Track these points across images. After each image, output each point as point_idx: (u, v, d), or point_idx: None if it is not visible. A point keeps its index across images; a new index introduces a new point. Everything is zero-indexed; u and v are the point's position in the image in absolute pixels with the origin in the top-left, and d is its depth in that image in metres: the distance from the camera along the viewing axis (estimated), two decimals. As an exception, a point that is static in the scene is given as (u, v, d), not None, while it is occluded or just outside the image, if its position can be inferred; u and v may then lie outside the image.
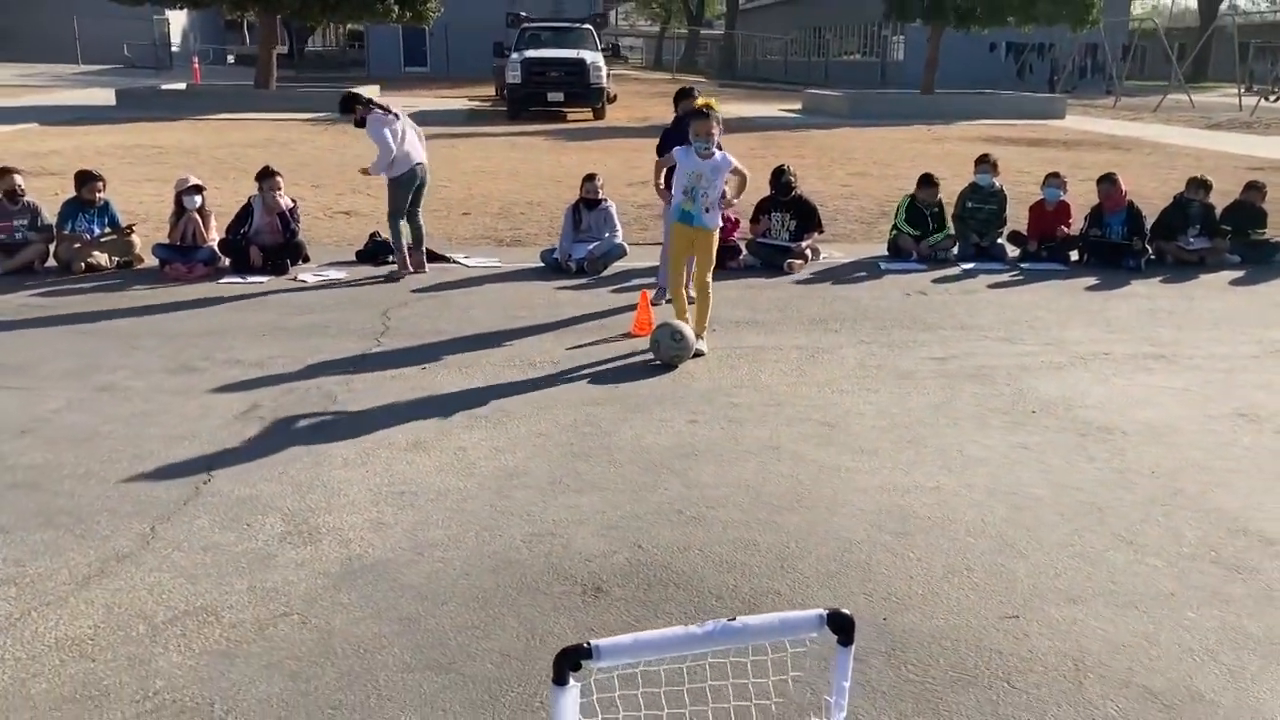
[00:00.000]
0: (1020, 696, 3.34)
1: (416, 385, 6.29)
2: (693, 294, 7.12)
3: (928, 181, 10.08)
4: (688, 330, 6.71)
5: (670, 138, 8.08)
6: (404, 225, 9.05)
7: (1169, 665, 3.51)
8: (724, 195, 6.87)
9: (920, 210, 10.02)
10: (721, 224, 8.93)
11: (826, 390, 6.29)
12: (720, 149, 6.68)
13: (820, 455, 5.28)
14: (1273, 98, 36.92)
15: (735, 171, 6.82)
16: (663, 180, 7.55)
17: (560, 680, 2.32)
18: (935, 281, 9.17)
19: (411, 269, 9.12)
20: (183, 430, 5.50)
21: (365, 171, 9.10)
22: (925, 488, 4.90)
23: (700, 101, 6.88)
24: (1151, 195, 13.44)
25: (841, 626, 2.51)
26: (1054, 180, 10.18)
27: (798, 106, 33.15)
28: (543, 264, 9.46)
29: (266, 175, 9.21)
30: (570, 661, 2.31)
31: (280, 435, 5.46)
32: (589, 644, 2.32)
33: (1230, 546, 4.36)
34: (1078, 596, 3.93)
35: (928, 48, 32.48)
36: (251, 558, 4.16)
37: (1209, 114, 32.28)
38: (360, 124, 8.83)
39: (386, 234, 10.04)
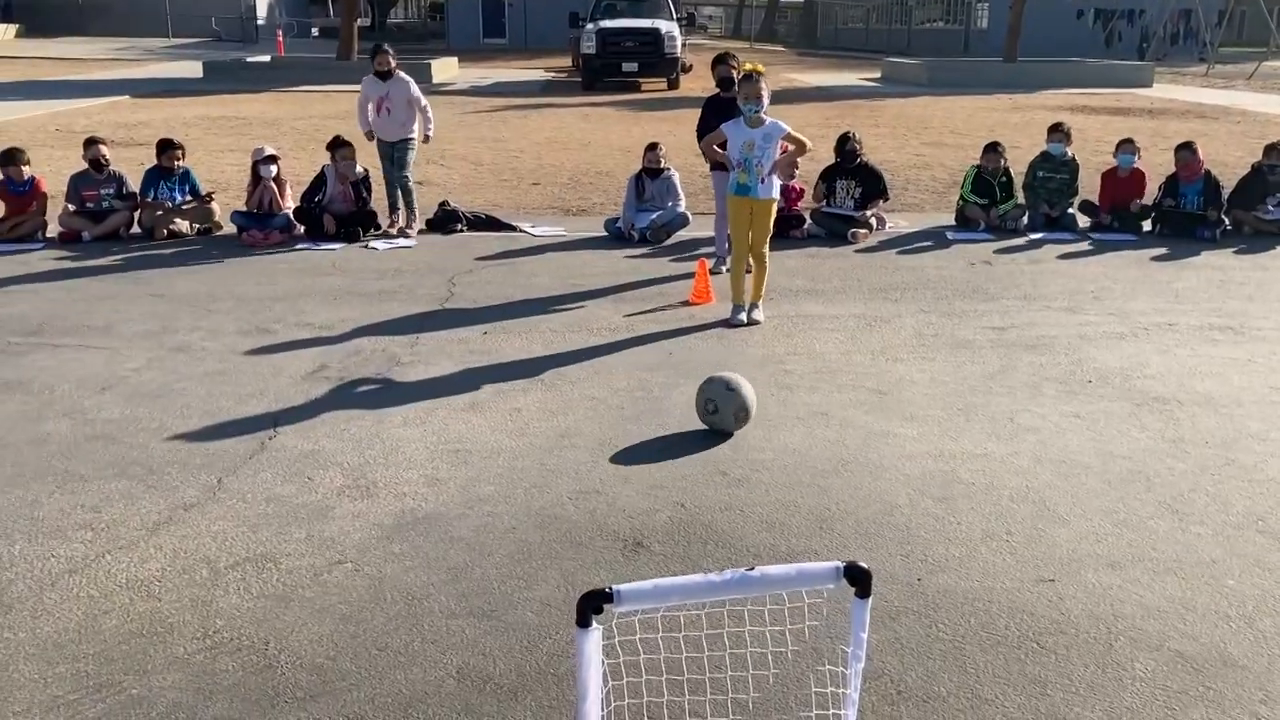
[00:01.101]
0: (1049, 657, 3.38)
1: (477, 349, 6.45)
2: (723, 268, 7.17)
3: (992, 149, 9.95)
4: (741, 389, 5.17)
5: (709, 115, 8.07)
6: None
7: (1203, 630, 3.52)
8: (782, 168, 6.88)
9: (986, 180, 9.90)
10: (781, 193, 9.01)
11: (881, 359, 6.31)
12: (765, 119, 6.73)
13: (869, 421, 5.32)
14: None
15: (792, 139, 6.84)
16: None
17: (583, 623, 2.44)
18: (1001, 251, 9.08)
19: (394, 230, 9.54)
20: (252, 389, 5.73)
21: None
22: (972, 454, 4.92)
23: (748, 65, 6.90)
24: (1235, 165, 13.08)
25: (858, 578, 2.59)
26: (1127, 147, 9.98)
27: (877, 75, 32.70)
28: (606, 233, 9.56)
29: (339, 145, 9.44)
30: (593, 604, 2.43)
31: (344, 395, 5.66)
32: (610, 588, 2.43)
33: (1279, 516, 4.32)
34: (1117, 562, 3.94)
35: (1011, 14, 31.75)
36: (311, 509, 4.35)
37: (1307, 81, 31.12)
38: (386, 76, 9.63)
39: (455, 203, 10.26)
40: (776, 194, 6.96)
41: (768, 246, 6.99)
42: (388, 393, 5.71)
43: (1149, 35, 43.39)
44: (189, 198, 9.52)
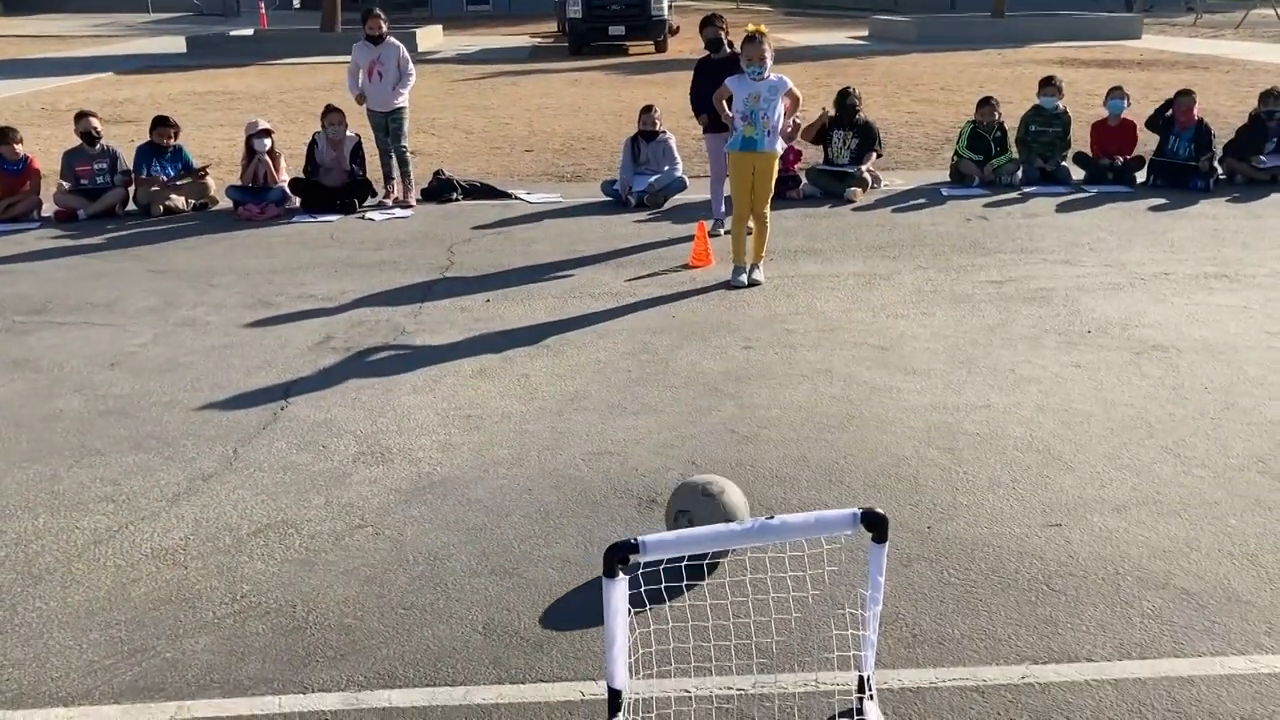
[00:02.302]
0: (1058, 598, 3.46)
1: (481, 316, 6.50)
2: (722, 229, 7.23)
3: (986, 103, 9.99)
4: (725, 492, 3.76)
5: (700, 78, 8.09)
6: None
7: (1207, 568, 3.61)
8: (784, 126, 6.89)
9: (982, 135, 9.93)
10: (782, 153, 9.03)
11: (882, 315, 6.37)
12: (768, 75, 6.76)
13: (872, 377, 5.39)
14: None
15: (791, 96, 6.86)
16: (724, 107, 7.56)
17: (610, 573, 2.52)
18: (996, 206, 9.12)
19: (389, 200, 9.57)
20: (260, 361, 5.77)
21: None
22: (975, 406, 5.00)
23: (750, 27, 6.91)
24: (1227, 114, 13.13)
25: (874, 524, 2.67)
26: (1116, 94, 10.04)
27: (865, 33, 32.54)
28: (604, 195, 9.58)
29: (329, 111, 9.44)
30: (619, 555, 2.50)
31: (352, 364, 5.71)
32: (635, 539, 2.50)
33: (1278, 458, 4.40)
34: (1121, 506, 4.03)
35: (998, -31, 31.57)
36: (327, 476, 4.41)
37: (1295, 29, 31.07)
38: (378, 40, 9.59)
39: (450, 172, 10.26)
40: (780, 148, 6.98)
41: (769, 207, 7.02)
42: (395, 361, 5.76)
43: (1136, -14, 43.17)
44: (182, 172, 9.51)
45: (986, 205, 9.16)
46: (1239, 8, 37.60)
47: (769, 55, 6.71)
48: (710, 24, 8.13)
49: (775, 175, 7.01)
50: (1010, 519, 3.96)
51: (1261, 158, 9.73)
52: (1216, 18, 36.68)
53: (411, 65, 9.76)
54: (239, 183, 9.55)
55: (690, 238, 7.82)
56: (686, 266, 7.46)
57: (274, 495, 4.25)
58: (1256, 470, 4.30)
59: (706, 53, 8.29)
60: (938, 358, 5.64)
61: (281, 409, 5.12)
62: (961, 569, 3.63)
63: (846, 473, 4.34)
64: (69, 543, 3.92)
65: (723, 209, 8.36)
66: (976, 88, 17.75)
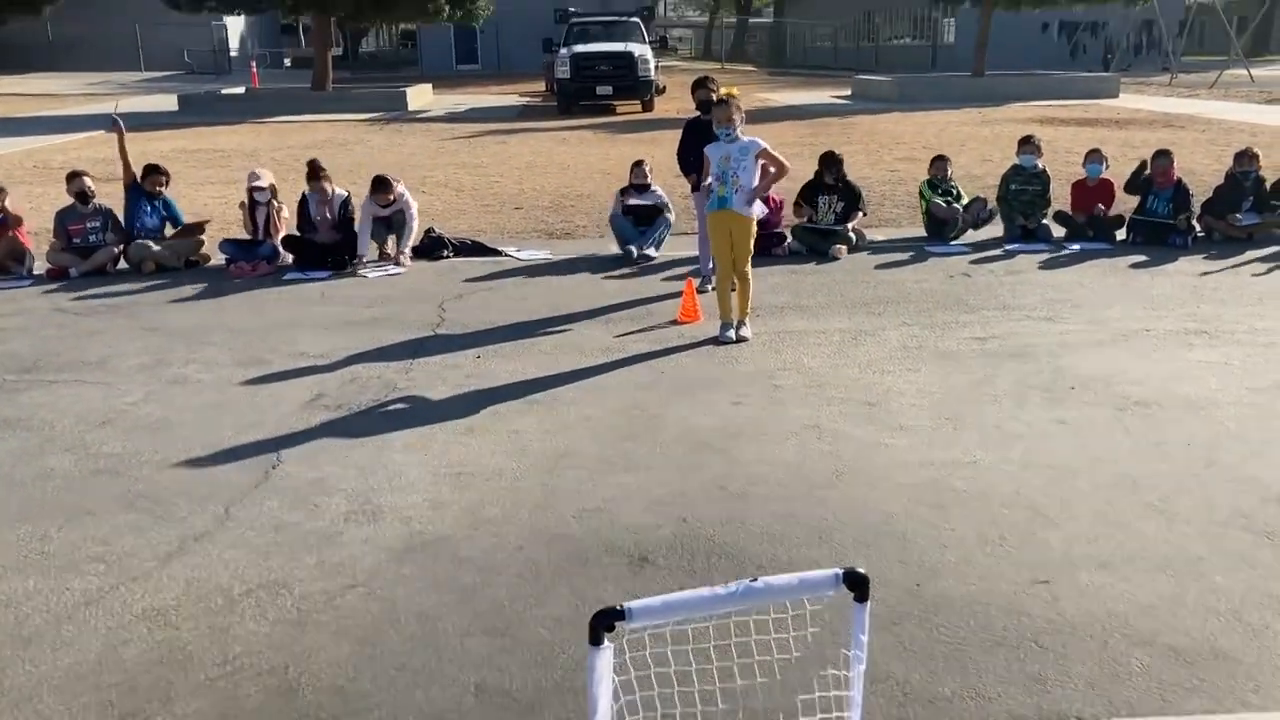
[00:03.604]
0: (1047, 655, 3.49)
1: (472, 373, 6.54)
2: (709, 286, 7.37)
3: (938, 159, 10.52)
4: None
5: (689, 137, 8.28)
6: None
7: (1194, 625, 3.64)
8: (759, 184, 6.99)
9: (937, 185, 10.30)
10: (765, 210, 9.20)
11: (868, 371, 6.44)
12: (740, 137, 6.93)
13: (860, 433, 5.44)
14: (1336, 69, 36.05)
15: (769, 158, 6.95)
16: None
17: (596, 640, 2.53)
18: (979, 263, 9.25)
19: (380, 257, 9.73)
20: (252, 419, 5.80)
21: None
22: (962, 463, 5.05)
23: (723, 90, 7.05)
24: (1204, 172, 13.36)
25: (857, 584, 2.70)
26: (1094, 157, 10.27)
27: (847, 93, 33.07)
28: (612, 228, 9.71)
29: (313, 175, 9.50)
30: (605, 622, 2.52)
31: (344, 422, 5.74)
32: (622, 606, 2.53)
33: (1263, 513, 4.46)
34: (1108, 562, 4.07)
35: (978, 29, 32.20)
36: (319, 535, 4.42)
37: (1269, 88, 31.67)
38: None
39: (441, 230, 10.36)
40: (754, 214, 7.07)
41: (750, 265, 7.12)
42: (386, 419, 5.79)
43: (1113, 47, 44.09)
44: (175, 231, 9.57)
45: (970, 262, 9.28)
46: (1213, 67, 38.33)
47: (738, 117, 6.89)
48: (702, 85, 8.31)
49: (753, 235, 7.11)
50: (999, 576, 3.99)
51: (1238, 216, 9.90)
52: (1191, 77, 37.39)
53: (415, 210, 9.82)
54: (233, 236, 9.62)
55: (679, 294, 7.91)
56: (675, 322, 7.53)
57: (266, 555, 4.26)
58: (1240, 526, 4.35)
59: (697, 113, 8.44)
60: (924, 414, 5.70)
61: (273, 467, 5.14)
62: (951, 627, 3.66)
63: (836, 530, 4.38)
64: (59, 604, 3.92)
65: (710, 266, 8.45)
66: (957, 146, 18.06)
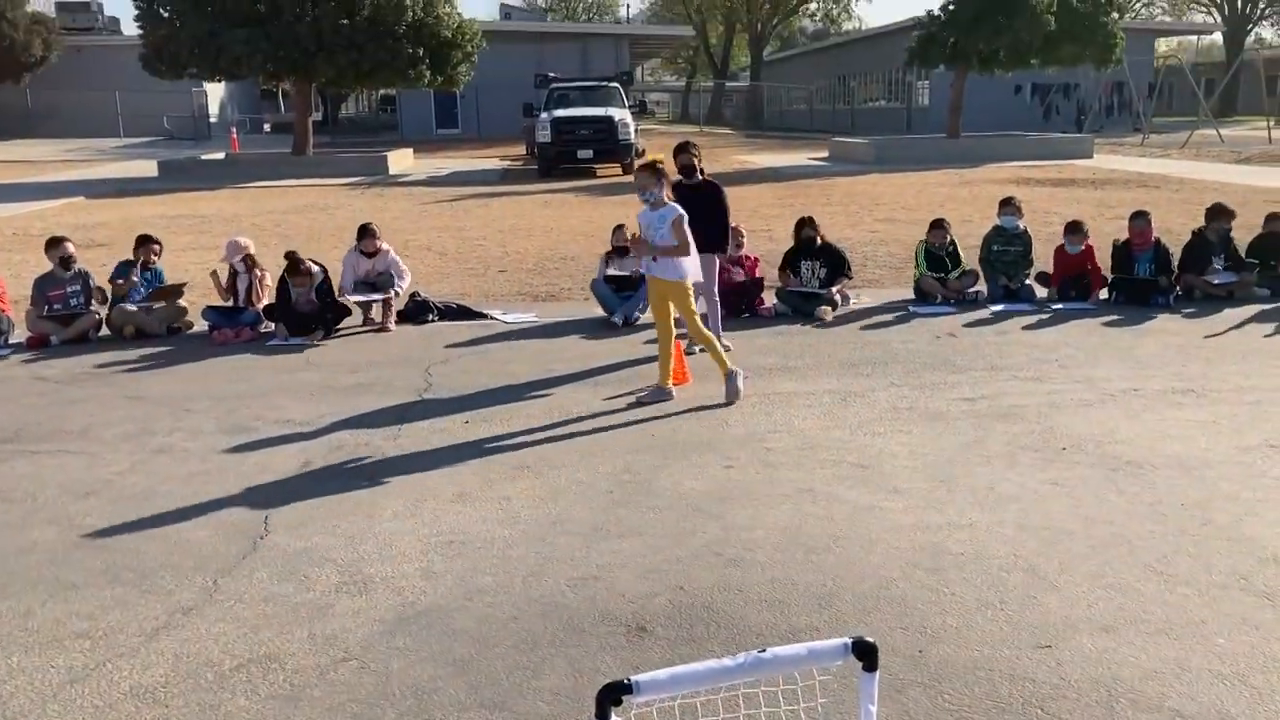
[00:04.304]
0: (1054, 723, 3.44)
1: (460, 438, 6.49)
2: (696, 348, 7.76)
3: (937, 225, 10.34)
4: None
5: None
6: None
7: (1200, 690, 3.61)
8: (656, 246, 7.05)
9: (935, 253, 10.21)
10: (737, 264, 9.25)
11: (859, 433, 6.43)
12: (665, 201, 7.08)
13: (854, 496, 5.42)
14: (1302, 130, 36.82)
15: (677, 228, 6.97)
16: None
17: (602, 716, 2.48)
18: (965, 325, 9.30)
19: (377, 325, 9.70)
20: (238, 488, 5.72)
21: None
22: (958, 525, 5.02)
23: (648, 157, 7.16)
24: (1180, 231, 13.50)
25: (865, 653, 2.66)
26: (1074, 234, 10.12)
27: (824, 155, 33.48)
28: (594, 294, 9.69)
29: (292, 270, 9.33)
30: (611, 697, 2.46)
31: (331, 490, 5.67)
32: (629, 680, 2.47)
33: (1261, 574, 4.44)
34: (1109, 626, 4.04)
35: (951, 92, 32.76)
36: (310, 607, 4.34)
37: (1238, 148, 32.28)
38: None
39: (426, 294, 10.36)
40: (681, 277, 7.06)
41: (701, 322, 7.27)
42: (375, 486, 5.72)
43: (1085, 108, 44.91)
44: (151, 293, 9.52)
45: (955, 323, 9.33)
46: (1183, 128, 39.08)
47: (658, 185, 7.02)
48: (684, 151, 8.35)
49: (688, 294, 7.11)
50: (1000, 640, 3.95)
51: (1215, 274, 10.01)
52: (1163, 137, 38.07)
53: (404, 266, 9.95)
54: (216, 303, 9.58)
55: (666, 358, 7.90)
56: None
57: (256, 628, 4.18)
58: (1239, 588, 4.33)
59: (679, 178, 8.48)
60: (918, 475, 5.69)
61: (261, 538, 5.06)
62: (956, 693, 3.61)
63: (835, 596, 4.33)
64: (44, 683, 3.82)
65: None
66: (936, 206, 18.27)
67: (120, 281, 9.41)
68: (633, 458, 6.06)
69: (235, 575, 4.65)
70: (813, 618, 4.15)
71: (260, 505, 5.48)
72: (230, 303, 9.53)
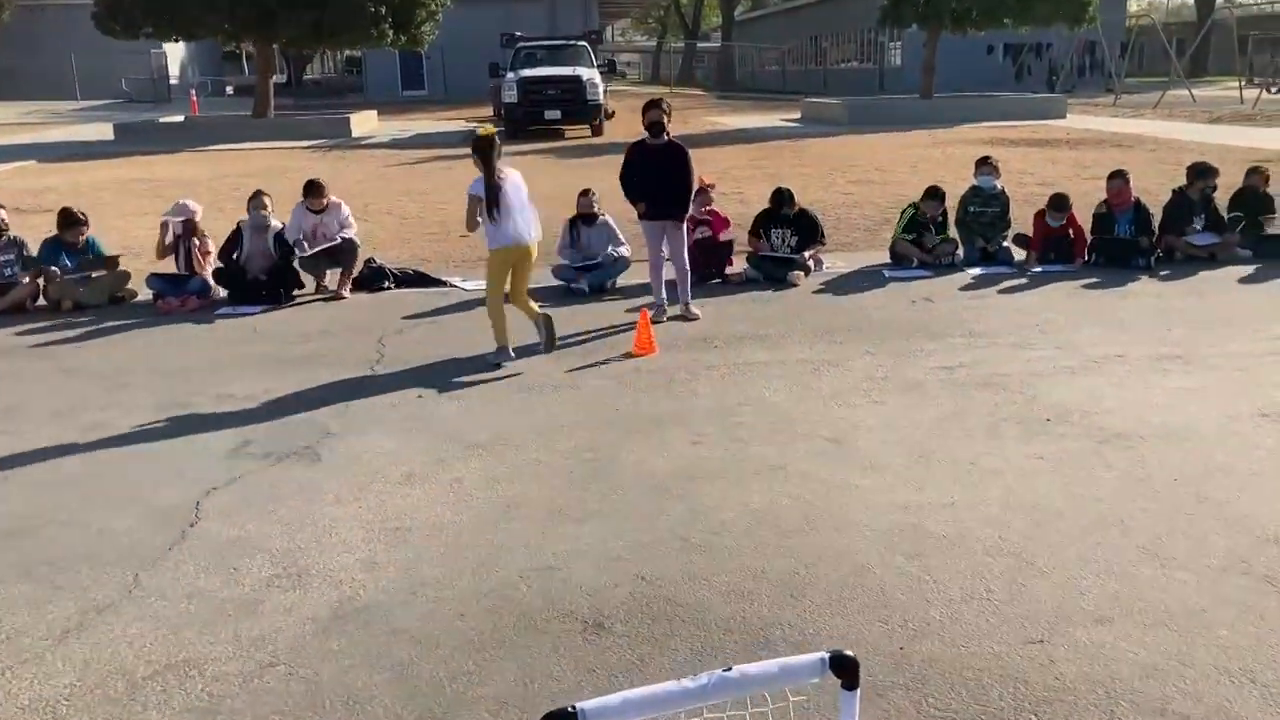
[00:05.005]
0: (1048, 728, 3.14)
1: (412, 414, 6.12)
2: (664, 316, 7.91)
3: (933, 194, 9.86)
4: None
5: (636, 164, 7.98)
6: None
7: (1205, 689, 3.31)
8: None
9: (922, 222, 9.82)
10: (706, 224, 8.94)
11: (833, 404, 6.10)
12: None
13: (828, 474, 5.09)
14: (1274, 89, 36.72)
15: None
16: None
17: (546, 748, 2.14)
18: (941, 288, 8.98)
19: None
20: (171, 470, 5.33)
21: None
22: (938, 504, 4.71)
23: (482, 131, 7.17)
24: (1157, 191, 13.22)
25: (845, 668, 2.33)
26: (1057, 208, 9.68)
27: (797, 116, 33.00)
28: (554, 280, 9.28)
29: (253, 196, 9.10)
30: (555, 727, 2.13)
31: (272, 472, 5.29)
32: (574, 707, 2.13)
33: (1261, 556, 4.16)
34: (1104, 617, 3.73)
35: (924, 52, 32.31)
36: (237, 604, 3.98)
37: (1210, 108, 32.06)
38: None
39: (382, 259, 9.94)
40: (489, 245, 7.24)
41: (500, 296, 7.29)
42: (318, 467, 5.35)
43: (1057, 68, 44.55)
44: (100, 271, 8.99)
45: (931, 287, 9.01)
46: (1155, 88, 38.85)
47: (497, 161, 7.26)
48: (655, 106, 7.98)
49: (492, 262, 7.27)
50: (988, 635, 3.64)
51: (1196, 235, 9.73)
52: (1135, 97, 37.81)
53: (352, 219, 9.52)
54: (160, 271, 9.13)
55: (632, 325, 7.54)
56: (629, 355, 7.16)
57: (176, 629, 3.81)
58: (1240, 572, 4.04)
59: (643, 137, 8.10)
60: (894, 450, 5.37)
61: (191, 526, 4.68)
62: (941, 697, 3.30)
63: (808, 585, 4.01)
64: (-65, 695, 3.44)
65: (664, 294, 8.12)
66: (909, 168, 17.93)
67: (53, 269, 8.82)
68: (595, 434, 5.71)
69: (159, 569, 4.28)
70: (783, 610, 3.83)
71: (193, 489, 5.09)
72: (174, 268, 9.07)
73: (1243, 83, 36.30)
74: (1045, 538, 4.36)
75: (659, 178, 7.82)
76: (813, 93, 44.24)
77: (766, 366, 6.87)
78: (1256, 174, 10.21)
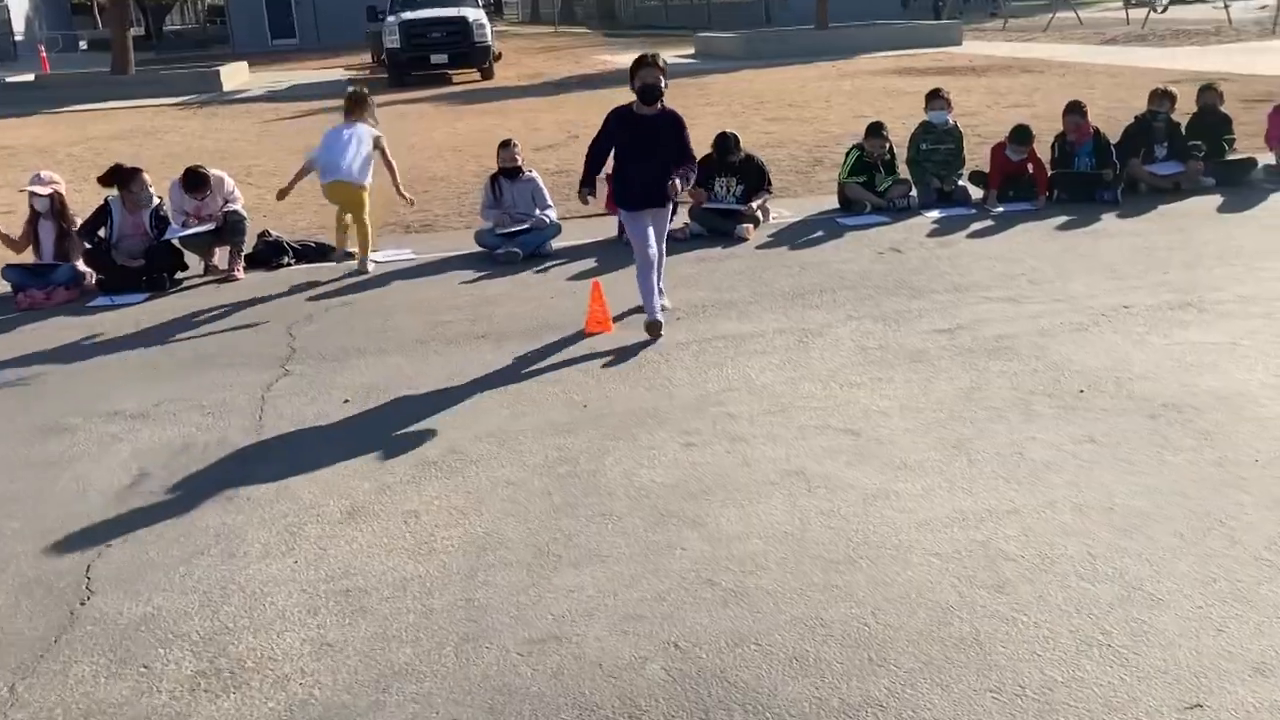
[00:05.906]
0: (1254, 840, 2.42)
1: (341, 425, 5.15)
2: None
3: (875, 131, 9.07)
4: None
5: (620, 136, 6.13)
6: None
7: None
8: None
9: (867, 162, 9.06)
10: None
11: (833, 385, 5.32)
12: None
13: (855, 477, 4.31)
14: (1160, 8, 36.99)
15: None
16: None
17: None
18: (905, 235, 8.25)
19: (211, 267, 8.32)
20: (50, 522, 4.28)
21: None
22: (1000, 512, 3.96)
23: (352, 89, 8.01)
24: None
25: None
26: (1019, 141, 8.90)
27: (691, 52, 31.99)
28: (477, 246, 8.29)
29: (127, 177, 7.86)
30: None
31: (178, 516, 4.29)
32: None
33: (1396, 558, 3.51)
34: (1262, 663, 3.02)
35: (818, -19, 31.51)
36: (154, 724, 3.03)
37: (1099, 29, 32.05)
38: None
39: (278, 232, 8.82)
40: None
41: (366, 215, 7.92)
42: (234, 505, 4.36)
43: (942, -6, 44.23)
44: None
45: (893, 235, 8.27)
46: (1038, 12, 38.80)
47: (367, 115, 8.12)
48: (651, 65, 5.98)
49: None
50: (1130, 701, 2.90)
51: (1160, 164, 9.18)
52: (1022, 21, 37.71)
53: (238, 191, 8.43)
54: (17, 260, 7.87)
55: (577, 298, 6.64)
56: (585, 334, 6.26)
57: (73, 773, 2.85)
58: (1385, 582, 3.39)
59: (629, 103, 6.15)
60: (923, 441, 4.61)
61: (82, 603, 3.68)
62: (1106, 804, 2.55)
63: (886, 644, 3.21)
64: None
65: (655, 303, 6.26)
66: (822, 102, 17.25)
67: None
68: (566, 440, 4.83)
69: (42, 674, 3.29)
70: (866, 683, 3.03)
71: (80, 547, 4.07)
72: (33, 256, 7.82)
73: (1128, 3, 36.43)
74: (1140, 550, 3.64)
75: (648, 156, 6.05)
76: (698, 27, 43.18)
77: (742, 340, 6.04)
78: (1211, 90, 9.68)
